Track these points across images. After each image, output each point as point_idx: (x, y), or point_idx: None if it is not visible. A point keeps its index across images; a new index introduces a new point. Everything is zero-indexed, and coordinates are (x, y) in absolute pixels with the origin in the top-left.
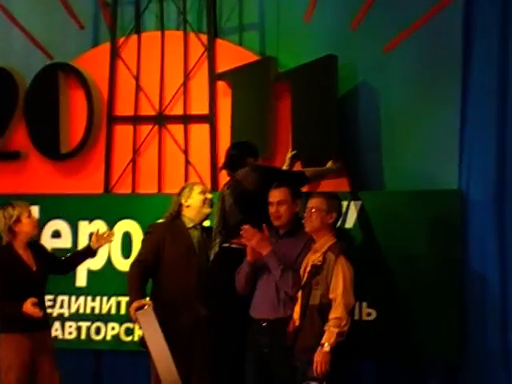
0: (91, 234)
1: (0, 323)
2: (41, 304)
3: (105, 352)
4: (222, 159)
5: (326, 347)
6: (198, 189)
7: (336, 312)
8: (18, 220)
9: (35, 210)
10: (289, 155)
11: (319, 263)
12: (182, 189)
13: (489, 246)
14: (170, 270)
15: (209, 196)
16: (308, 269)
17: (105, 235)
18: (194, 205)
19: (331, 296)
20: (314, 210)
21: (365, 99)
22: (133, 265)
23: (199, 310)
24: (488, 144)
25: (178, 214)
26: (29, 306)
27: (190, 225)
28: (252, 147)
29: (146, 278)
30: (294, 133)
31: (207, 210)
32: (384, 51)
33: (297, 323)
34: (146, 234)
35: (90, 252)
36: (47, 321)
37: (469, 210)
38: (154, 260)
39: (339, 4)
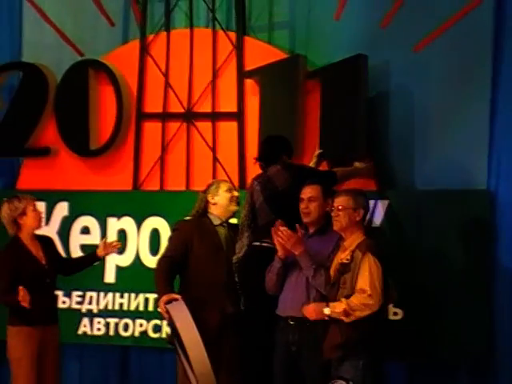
0: (120, 231)
1: (8, 316)
2: (50, 298)
3: (132, 348)
4: (249, 157)
5: (327, 311)
6: (224, 186)
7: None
8: (23, 213)
9: (64, 206)
10: (316, 154)
11: (347, 261)
12: (209, 186)
13: None
14: (198, 267)
15: (235, 194)
16: (336, 266)
17: (113, 244)
18: (221, 202)
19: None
20: (340, 208)
21: (394, 99)
22: (160, 260)
23: (227, 307)
24: None
25: (204, 211)
26: (20, 295)
27: (216, 222)
28: (287, 143)
29: (173, 274)
30: (322, 132)
31: (234, 208)
32: (414, 50)
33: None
34: (173, 230)
35: (95, 259)
36: (55, 315)
37: (498, 210)
38: (182, 257)
39: (369, 2)
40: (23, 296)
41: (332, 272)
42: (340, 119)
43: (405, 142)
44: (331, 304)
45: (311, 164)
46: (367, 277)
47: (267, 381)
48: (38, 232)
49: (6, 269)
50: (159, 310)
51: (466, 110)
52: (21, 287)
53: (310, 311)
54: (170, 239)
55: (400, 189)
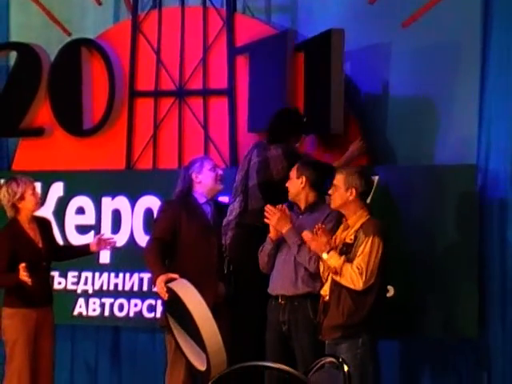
0: (114, 211)
1: (4, 297)
2: (46, 280)
3: (123, 328)
4: (240, 133)
5: (324, 256)
6: (208, 164)
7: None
8: (22, 197)
9: (60, 187)
10: (356, 147)
11: (350, 241)
12: (192, 164)
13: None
14: (188, 248)
15: (220, 172)
16: (339, 246)
17: (108, 240)
18: (205, 181)
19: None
20: (334, 187)
21: (383, 75)
22: (149, 243)
23: (219, 287)
24: (508, 118)
25: (189, 189)
26: (21, 272)
27: (202, 200)
28: (299, 123)
29: (164, 256)
30: (305, 105)
31: (219, 187)
32: (402, 26)
33: (326, 299)
34: (158, 212)
35: (87, 252)
36: (51, 297)
37: (488, 185)
38: (171, 238)
39: None
40: (24, 273)
41: (336, 257)
42: (319, 93)
43: (395, 118)
44: (332, 253)
45: (343, 158)
46: (366, 256)
47: (260, 360)
48: (37, 213)
49: (3, 250)
50: (157, 290)
51: (455, 86)
52: (22, 264)
53: (312, 240)
54: (157, 221)
55: (389, 164)
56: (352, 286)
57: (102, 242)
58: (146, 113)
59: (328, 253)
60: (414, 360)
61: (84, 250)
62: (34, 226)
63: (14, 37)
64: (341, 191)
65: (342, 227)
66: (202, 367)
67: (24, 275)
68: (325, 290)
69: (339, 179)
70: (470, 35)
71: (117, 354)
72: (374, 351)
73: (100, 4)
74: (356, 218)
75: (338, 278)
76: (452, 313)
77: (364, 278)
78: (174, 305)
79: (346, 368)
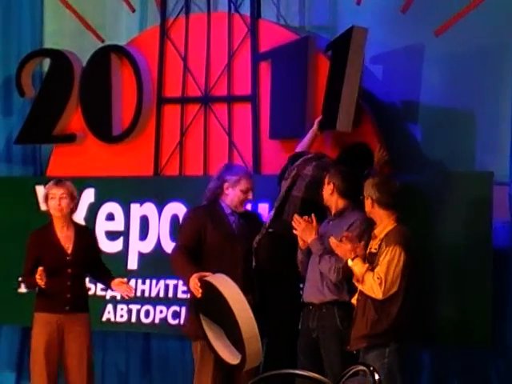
0: (142, 217)
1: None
2: (72, 287)
3: (153, 335)
4: (264, 139)
5: (350, 262)
6: (244, 184)
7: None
8: (45, 199)
9: (91, 193)
10: (317, 120)
11: (375, 251)
12: (233, 172)
13: None
14: (213, 256)
15: (250, 196)
16: (366, 256)
17: (128, 288)
18: (232, 197)
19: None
20: (363, 195)
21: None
22: (175, 249)
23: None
24: None
25: (218, 196)
26: (37, 275)
27: (228, 211)
28: (367, 161)
29: (192, 259)
30: (324, 103)
31: (240, 209)
32: (435, 34)
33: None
34: (183, 219)
35: (107, 286)
36: (81, 304)
37: None
38: (196, 245)
39: None
40: (40, 275)
41: (360, 264)
42: (335, 90)
43: (426, 125)
44: (357, 260)
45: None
46: (385, 266)
47: (293, 367)
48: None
49: (30, 252)
50: (191, 286)
51: (488, 95)
52: (40, 268)
53: (337, 247)
54: (182, 228)
55: (408, 172)
56: (373, 295)
57: (121, 287)
58: (173, 119)
59: (353, 260)
60: (442, 368)
61: (106, 282)
62: (69, 233)
63: (48, 43)
64: (368, 200)
65: (372, 236)
66: (234, 361)
67: (38, 278)
68: (354, 299)
69: (365, 188)
70: (503, 43)
71: (147, 360)
72: (402, 360)
73: (133, 11)
74: (382, 228)
75: (360, 286)
76: (465, 322)
77: (383, 287)
78: (207, 302)
79: (376, 376)
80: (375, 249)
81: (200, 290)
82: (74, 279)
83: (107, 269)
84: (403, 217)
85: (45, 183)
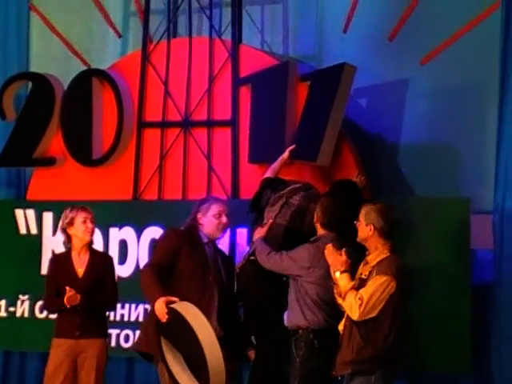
0: (121, 241)
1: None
2: (84, 312)
3: (137, 359)
4: (243, 164)
5: (337, 274)
6: (215, 209)
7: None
8: (71, 223)
9: None
10: (289, 148)
11: (364, 277)
12: (203, 202)
13: None
14: (183, 280)
15: (224, 220)
16: (356, 281)
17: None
18: (207, 225)
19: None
20: (358, 223)
21: (401, 111)
22: (148, 266)
23: (216, 329)
24: None
25: (195, 225)
26: (67, 296)
27: (204, 240)
28: (354, 198)
29: (162, 280)
30: (298, 130)
31: (218, 235)
32: (421, 63)
33: (341, 334)
34: (161, 237)
35: None
36: (94, 329)
37: (504, 227)
38: (169, 266)
39: (377, 15)
40: (70, 296)
41: (346, 279)
42: (315, 122)
43: (409, 154)
44: (345, 275)
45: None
46: (371, 290)
47: None
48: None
49: (48, 278)
50: (157, 310)
51: (473, 126)
52: (68, 287)
53: (331, 254)
54: (158, 246)
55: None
56: (349, 314)
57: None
58: (153, 143)
59: (341, 273)
60: None
61: None
62: (84, 257)
63: (34, 67)
64: (362, 226)
65: (362, 263)
66: None
67: (68, 299)
68: (341, 325)
69: (361, 213)
70: (488, 72)
71: None
72: None
73: (120, 36)
74: (375, 255)
75: (340, 301)
76: (446, 349)
77: (362, 309)
78: (170, 327)
79: None
80: (365, 275)
81: (166, 316)
82: (85, 304)
83: (112, 298)
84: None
85: (24, 206)
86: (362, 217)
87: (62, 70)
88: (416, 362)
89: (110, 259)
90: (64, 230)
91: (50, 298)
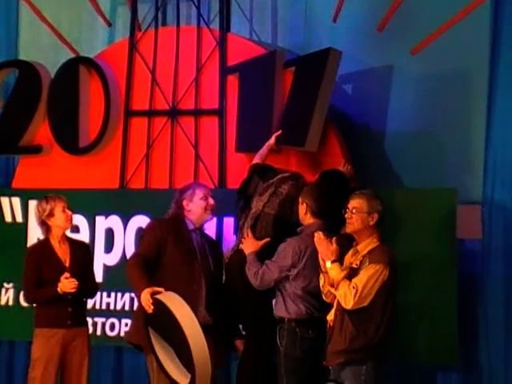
0: (107, 230)
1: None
2: (72, 302)
3: (125, 348)
4: (230, 153)
5: (328, 264)
6: (200, 193)
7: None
8: (51, 214)
9: None
10: (276, 134)
11: (356, 266)
12: (185, 189)
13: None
14: (170, 270)
15: (211, 202)
16: (346, 270)
17: (70, 282)
18: (195, 210)
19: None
20: (354, 211)
21: (392, 101)
22: (133, 257)
23: (200, 314)
24: None
25: (180, 213)
26: (65, 283)
27: (191, 227)
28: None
29: (149, 272)
30: (284, 116)
31: (207, 216)
32: (411, 53)
33: (331, 325)
34: (146, 228)
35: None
36: (82, 317)
37: (493, 218)
38: (155, 257)
39: (366, 5)
40: (68, 282)
41: (337, 269)
42: (302, 108)
43: (397, 143)
44: (336, 265)
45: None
46: (364, 279)
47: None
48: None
49: (30, 268)
50: (142, 301)
51: (462, 114)
52: (66, 274)
53: (321, 242)
54: (143, 238)
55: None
56: (342, 303)
57: (64, 282)
58: (140, 132)
59: (332, 263)
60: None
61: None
62: (65, 247)
63: (23, 56)
64: (363, 215)
65: (351, 252)
66: (182, 380)
67: (69, 282)
68: (330, 316)
69: (361, 203)
70: (478, 62)
71: (119, 374)
72: (379, 378)
73: (110, 25)
74: (366, 244)
75: (332, 290)
76: (432, 340)
77: (356, 297)
78: (157, 318)
79: None
80: (356, 264)
81: (151, 306)
82: (75, 293)
83: (95, 285)
84: None
85: (10, 194)
86: (361, 205)
87: (51, 59)
88: (403, 352)
89: (88, 247)
90: (44, 222)
91: (34, 288)
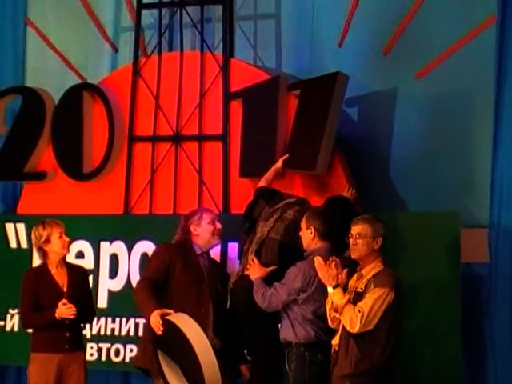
0: (112, 256)
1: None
2: (69, 326)
3: (133, 373)
4: (234, 179)
5: (329, 290)
6: (207, 217)
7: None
8: (48, 240)
9: None
10: (282, 158)
11: (361, 290)
12: (192, 214)
13: None
14: (178, 294)
15: (218, 226)
16: (350, 295)
17: (67, 309)
18: (203, 234)
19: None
20: (358, 237)
21: (396, 125)
22: (141, 281)
23: (211, 339)
24: None
25: (187, 238)
26: (62, 309)
27: (198, 252)
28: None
29: (156, 295)
30: (291, 143)
31: (215, 241)
32: (416, 77)
33: (336, 349)
34: (154, 252)
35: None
36: (79, 342)
37: (500, 242)
38: (163, 280)
39: (372, 29)
40: (66, 309)
41: (340, 294)
42: (310, 132)
43: (403, 166)
44: (338, 290)
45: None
46: (370, 302)
47: None
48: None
49: (27, 293)
50: (152, 323)
51: (468, 137)
52: (63, 301)
53: (321, 268)
54: (151, 261)
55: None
56: (348, 327)
57: (61, 309)
58: (144, 157)
59: (334, 288)
60: None
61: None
62: (62, 271)
63: (30, 82)
64: (368, 240)
65: (355, 276)
66: None
67: (67, 308)
68: (336, 340)
69: (366, 228)
70: (484, 86)
71: None
72: None
73: (116, 51)
74: (371, 268)
75: (337, 315)
76: (435, 365)
77: (362, 321)
78: (166, 340)
79: None
80: (361, 288)
81: (161, 328)
82: (72, 318)
83: (93, 310)
84: None
85: (14, 220)
86: (365, 231)
87: (58, 85)
88: (406, 377)
89: (86, 271)
90: (40, 248)
91: (31, 313)
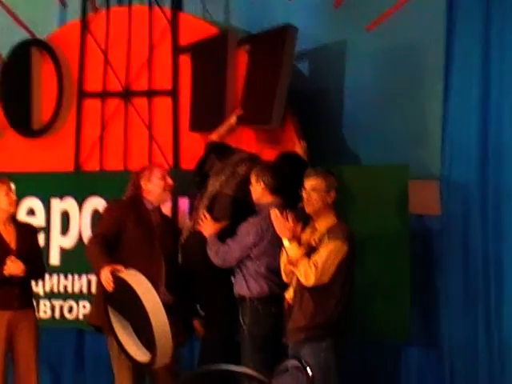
0: (63, 213)
1: None
2: (19, 283)
3: (87, 331)
4: (184, 134)
5: (286, 243)
6: (158, 173)
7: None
8: None
9: None
10: (236, 114)
11: (315, 244)
12: (143, 170)
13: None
14: (130, 250)
15: (169, 181)
16: (305, 247)
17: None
18: (154, 190)
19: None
20: (312, 191)
21: (347, 78)
22: (93, 237)
23: (162, 295)
24: (470, 129)
25: (138, 194)
26: (11, 266)
27: (149, 207)
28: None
29: (108, 251)
30: (245, 97)
31: (167, 197)
32: (366, 29)
33: (290, 302)
34: (105, 209)
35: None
36: (29, 299)
37: (451, 194)
38: (114, 237)
39: None
40: (14, 265)
41: (296, 248)
42: (263, 87)
43: (353, 119)
44: (294, 243)
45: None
46: (324, 255)
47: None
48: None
49: None
50: (102, 279)
51: (419, 90)
52: (11, 257)
53: (277, 219)
54: (102, 218)
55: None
56: (303, 280)
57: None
58: (94, 113)
59: (290, 241)
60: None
61: None
62: (10, 229)
63: None
64: (321, 194)
65: (308, 230)
66: (142, 358)
67: (13, 263)
68: (289, 293)
69: (319, 182)
70: (434, 37)
71: (81, 356)
72: (337, 355)
73: (65, 5)
74: (324, 222)
75: (292, 268)
76: (386, 317)
77: (318, 274)
78: (117, 296)
79: (310, 372)
80: (315, 242)
81: (112, 284)
82: (22, 275)
83: (43, 267)
84: None
85: None
86: (319, 185)
87: (7, 41)
88: (358, 329)
89: (35, 229)
90: None
91: None
